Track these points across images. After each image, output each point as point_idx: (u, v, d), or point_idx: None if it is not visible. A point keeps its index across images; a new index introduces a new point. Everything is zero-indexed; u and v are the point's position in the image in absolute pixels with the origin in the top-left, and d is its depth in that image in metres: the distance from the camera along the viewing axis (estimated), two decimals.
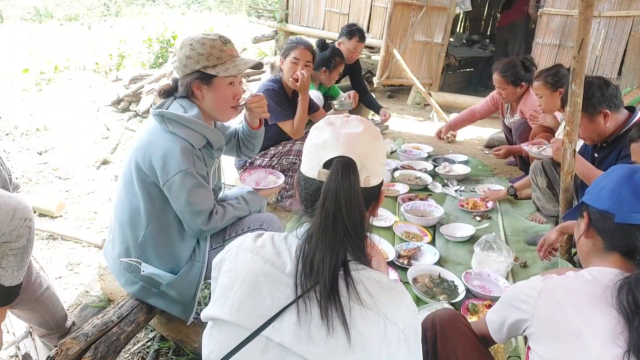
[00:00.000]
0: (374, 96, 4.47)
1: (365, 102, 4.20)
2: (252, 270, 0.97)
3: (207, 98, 1.75)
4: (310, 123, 3.38)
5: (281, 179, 2.22)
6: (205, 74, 1.70)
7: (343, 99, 3.67)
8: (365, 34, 4.12)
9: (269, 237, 1.03)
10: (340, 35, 3.93)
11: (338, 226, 0.92)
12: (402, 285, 1.01)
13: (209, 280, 1.75)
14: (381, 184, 1.06)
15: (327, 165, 0.97)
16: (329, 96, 3.90)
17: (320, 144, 1.00)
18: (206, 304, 1.38)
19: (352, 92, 3.68)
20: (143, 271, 1.72)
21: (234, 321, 0.94)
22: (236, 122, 2.17)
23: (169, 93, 1.80)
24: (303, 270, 0.92)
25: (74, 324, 1.98)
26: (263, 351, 0.91)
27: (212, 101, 1.75)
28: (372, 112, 4.44)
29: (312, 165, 1.00)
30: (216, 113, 1.81)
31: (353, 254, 0.96)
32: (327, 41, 3.77)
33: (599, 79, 2.23)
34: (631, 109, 2.27)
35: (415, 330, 0.96)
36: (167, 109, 1.72)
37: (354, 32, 3.84)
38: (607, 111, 2.17)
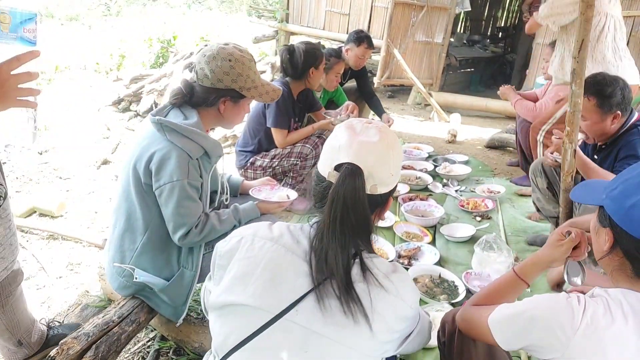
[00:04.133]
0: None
1: (371, 106, 4.14)
2: (273, 257, 1.02)
3: (227, 112, 1.77)
4: (311, 121, 3.37)
5: (291, 197, 2.04)
6: (239, 93, 1.73)
7: (340, 116, 3.47)
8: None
9: (285, 227, 1.08)
10: (347, 42, 3.81)
11: (346, 226, 0.99)
12: (400, 266, 1.09)
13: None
14: (391, 192, 1.10)
15: (338, 168, 1.03)
16: (333, 102, 3.83)
17: (336, 147, 1.05)
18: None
19: (351, 106, 3.37)
20: (136, 278, 1.73)
21: (257, 305, 0.98)
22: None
23: (182, 101, 1.73)
24: (317, 262, 0.99)
25: (45, 344, 1.80)
26: (286, 333, 0.97)
27: (231, 116, 1.79)
28: (372, 113, 4.42)
29: (325, 165, 1.06)
30: (226, 124, 1.86)
31: (363, 245, 1.03)
32: (335, 45, 3.71)
33: (623, 81, 2.17)
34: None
35: (417, 303, 1.08)
36: (166, 115, 1.70)
37: (362, 38, 3.73)
38: (619, 113, 2.14)
